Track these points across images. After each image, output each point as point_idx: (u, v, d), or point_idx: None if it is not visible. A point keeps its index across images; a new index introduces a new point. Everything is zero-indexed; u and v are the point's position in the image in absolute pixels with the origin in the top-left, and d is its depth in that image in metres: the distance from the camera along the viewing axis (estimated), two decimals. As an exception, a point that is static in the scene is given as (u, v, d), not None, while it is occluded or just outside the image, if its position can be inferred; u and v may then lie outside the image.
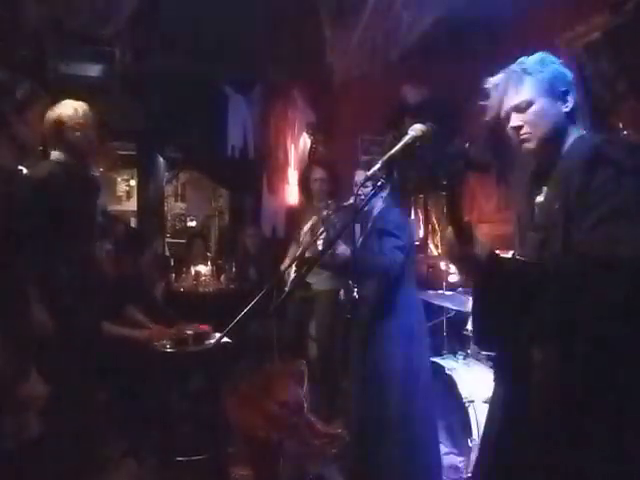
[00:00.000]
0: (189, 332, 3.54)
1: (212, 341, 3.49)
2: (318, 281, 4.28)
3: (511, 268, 1.67)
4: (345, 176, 4.11)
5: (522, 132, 1.71)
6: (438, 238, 4.07)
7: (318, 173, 4.38)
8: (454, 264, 2.06)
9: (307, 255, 3.56)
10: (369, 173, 1.81)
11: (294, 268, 3.77)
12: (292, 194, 6.10)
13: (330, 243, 2.84)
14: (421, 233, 4.45)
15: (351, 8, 4.34)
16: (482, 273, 1.64)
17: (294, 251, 4.36)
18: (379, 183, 1.86)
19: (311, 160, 5.55)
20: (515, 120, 1.71)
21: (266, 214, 6.60)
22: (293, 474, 3.17)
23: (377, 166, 1.77)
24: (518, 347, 1.62)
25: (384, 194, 3.10)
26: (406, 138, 1.74)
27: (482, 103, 1.78)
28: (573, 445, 1.52)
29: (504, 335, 1.62)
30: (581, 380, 1.52)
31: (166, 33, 5.34)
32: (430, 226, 4.11)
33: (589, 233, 1.52)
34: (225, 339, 3.02)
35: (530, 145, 1.71)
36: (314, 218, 4.16)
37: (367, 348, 3.09)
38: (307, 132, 5.88)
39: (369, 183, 2.04)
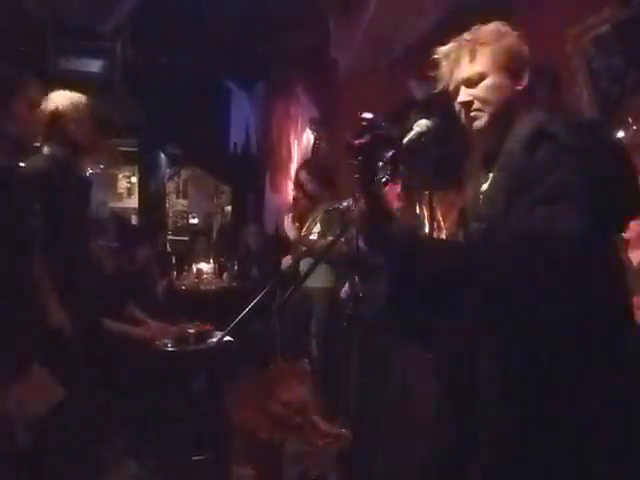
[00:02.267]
0: (191, 331, 3.51)
1: (214, 340, 3.46)
2: (311, 279, 4.24)
3: (434, 249, 1.53)
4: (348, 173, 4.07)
5: (471, 108, 1.57)
6: (443, 235, 4.03)
7: (302, 176, 4.38)
8: (366, 241, 1.89)
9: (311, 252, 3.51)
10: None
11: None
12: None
13: (336, 240, 2.81)
14: (426, 230, 4.42)
15: (356, 4, 4.31)
16: (400, 254, 1.51)
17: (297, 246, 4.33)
18: (384, 179, 1.80)
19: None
20: (464, 94, 1.57)
21: (268, 211, 6.57)
22: (295, 474, 3.13)
23: (381, 162, 1.72)
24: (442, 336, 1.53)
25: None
26: (411, 134, 1.68)
27: (431, 74, 1.64)
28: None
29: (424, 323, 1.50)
30: (527, 369, 1.40)
31: (168, 28, 5.31)
32: (435, 223, 4.07)
33: (524, 215, 1.39)
34: (227, 338, 3.00)
35: (479, 123, 1.57)
36: (314, 215, 4.15)
37: (367, 346, 3.06)
38: (310, 128, 5.83)
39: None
